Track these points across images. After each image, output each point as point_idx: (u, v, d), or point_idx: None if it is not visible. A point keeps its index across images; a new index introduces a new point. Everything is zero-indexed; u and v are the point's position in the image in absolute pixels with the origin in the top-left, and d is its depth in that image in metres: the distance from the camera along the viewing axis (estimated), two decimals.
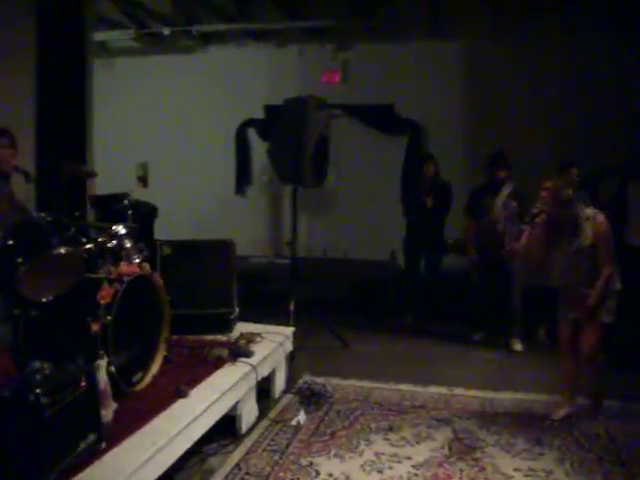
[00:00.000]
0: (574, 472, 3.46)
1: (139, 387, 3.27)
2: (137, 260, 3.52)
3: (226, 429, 3.71)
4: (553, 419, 4.18)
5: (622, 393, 4.61)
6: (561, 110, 7.73)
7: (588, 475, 3.42)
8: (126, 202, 3.89)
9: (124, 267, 3.31)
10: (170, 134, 9.18)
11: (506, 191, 5.91)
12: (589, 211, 4.01)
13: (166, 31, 8.58)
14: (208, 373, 3.59)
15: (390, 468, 3.44)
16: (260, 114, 8.66)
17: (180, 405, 3.13)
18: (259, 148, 8.59)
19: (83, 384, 2.56)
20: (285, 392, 4.53)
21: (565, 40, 7.66)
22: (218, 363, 3.74)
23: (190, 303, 4.27)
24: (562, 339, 4.26)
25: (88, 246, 3.36)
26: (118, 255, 3.49)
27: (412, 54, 8.41)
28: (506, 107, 8.01)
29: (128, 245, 3.56)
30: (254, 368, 3.77)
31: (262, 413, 4.08)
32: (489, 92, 8.11)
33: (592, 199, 6.11)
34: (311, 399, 4.36)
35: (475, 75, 8.19)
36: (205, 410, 3.16)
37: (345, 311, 6.93)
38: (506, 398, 4.60)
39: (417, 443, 3.77)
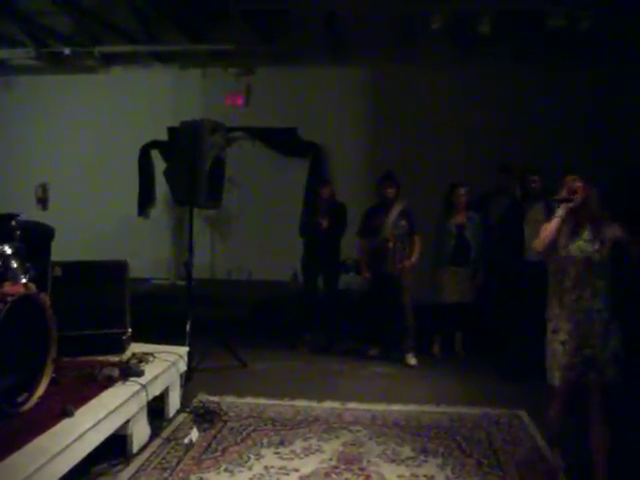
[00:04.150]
0: (454, 476, 3.67)
1: (24, 408, 3.23)
2: (23, 280, 3.50)
3: (118, 449, 3.71)
4: None
5: (507, 402, 4.92)
6: (454, 134, 8.15)
7: (467, 478, 3.65)
8: (14, 222, 3.84)
9: (8, 287, 3.28)
10: (72, 155, 9.04)
11: (396, 211, 6.16)
12: None
13: (67, 50, 8.47)
14: (96, 393, 3.57)
15: None
16: (164, 136, 8.66)
17: (65, 424, 3.11)
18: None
19: None
20: (179, 411, 4.54)
21: (456, 67, 8.11)
22: (108, 383, 3.73)
23: (82, 324, 4.24)
24: None
25: None
26: (3, 275, 3.46)
27: (315, 79, 8.65)
28: (404, 132, 8.36)
29: (14, 265, 3.53)
30: (144, 387, 3.79)
31: (155, 432, 4.09)
32: (388, 117, 8.45)
33: (482, 218, 6.48)
34: (205, 417, 4.40)
35: (375, 101, 8.51)
36: (90, 429, 3.16)
37: (246, 331, 6.99)
38: (397, 410, 4.78)
39: (306, 456, 3.88)
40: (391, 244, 6.09)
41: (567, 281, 3.49)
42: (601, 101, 7.77)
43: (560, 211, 3.51)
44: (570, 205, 3.49)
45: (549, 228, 3.53)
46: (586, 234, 3.48)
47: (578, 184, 3.50)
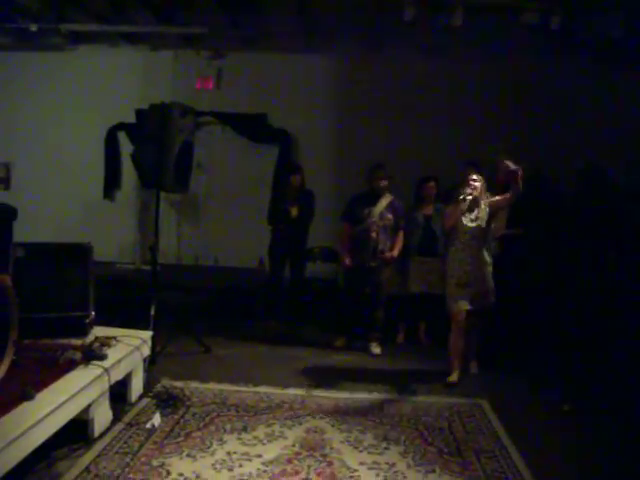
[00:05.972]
0: (415, 464, 3.70)
1: None
2: None
3: (78, 434, 3.67)
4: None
5: (469, 391, 5.02)
6: (424, 124, 8.17)
7: (428, 466, 3.68)
8: None
9: None
10: (37, 134, 8.86)
11: (385, 202, 6.14)
12: None
13: (33, 27, 8.27)
14: (58, 376, 3.52)
15: (240, 466, 3.53)
16: (132, 118, 8.53)
17: (25, 408, 3.06)
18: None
19: None
20: (142, 396, 4.50)
21: (428, 57, 8.14)
22: (69, 366, 3.68)
23: (44, 306, 4.17)
24: None
25: None
26: None
27: (286, 65, 8.60)
28: (374, 121, 8.35)
29: None
30: (107, 371, 3.75)
31: (117, 417, 4.05)
32: (359, 105, 8.44)
33: None
34: (168, 402, 4.37)
35: (346, 89, 8.49)
36: (51, 412, 3.11)
37: (212, 317, 6.96)
38: (360, 398, 4.81)
39: (269, 442, 3.88)
40: (374, 234, 6.04)
41: (460, 244, 5.17)
42: (576, 97, 7.87)
43: (463, 205, 5.08)
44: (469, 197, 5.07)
45: (455, 215, 5.15)
46: (473, 213, 5.13)
47: (476, 183, 5.13)
